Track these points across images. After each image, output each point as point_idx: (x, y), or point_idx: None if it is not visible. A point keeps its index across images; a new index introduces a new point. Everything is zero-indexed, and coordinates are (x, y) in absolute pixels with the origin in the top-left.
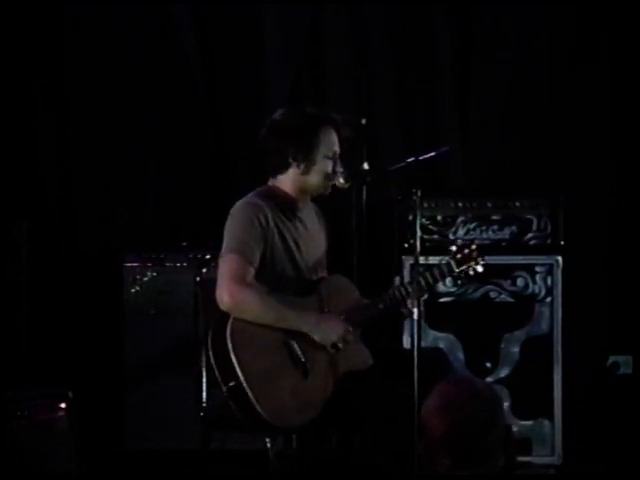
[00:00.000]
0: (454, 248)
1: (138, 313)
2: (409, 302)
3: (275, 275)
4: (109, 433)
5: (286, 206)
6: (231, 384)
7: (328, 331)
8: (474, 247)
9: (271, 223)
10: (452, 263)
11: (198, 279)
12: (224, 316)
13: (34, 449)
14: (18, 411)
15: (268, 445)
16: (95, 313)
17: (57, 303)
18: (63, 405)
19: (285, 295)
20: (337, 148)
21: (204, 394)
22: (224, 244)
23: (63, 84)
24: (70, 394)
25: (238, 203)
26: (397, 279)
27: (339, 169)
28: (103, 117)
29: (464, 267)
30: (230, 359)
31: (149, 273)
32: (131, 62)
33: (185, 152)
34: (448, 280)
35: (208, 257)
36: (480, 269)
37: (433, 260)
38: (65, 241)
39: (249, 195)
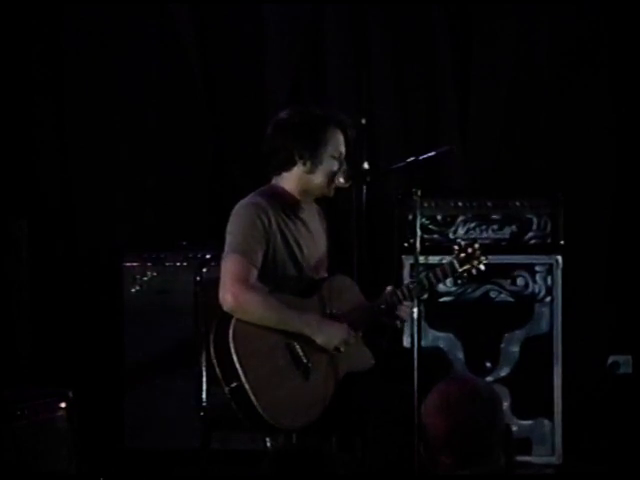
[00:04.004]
0: (457, 248)
1: (138, 313)
2: (408, 303)
3: (277, 275)
4: (109, 433)
5: (288, 206)
6: (233, 385)
7: (330, 334)
8: (477, 246)
9: (273, 223)
10: (455, 263)
11: (198, 279)
12: (227, 317)
13: (34, 449)
14: (18, 411)
15: (268, 445)
16: (95, 313)
17: (57, 303)
18: (63, 405)
19: (287, 296)
20: (343, 149)
21: (204, 394)
22: (226, 244)
23: (63, 83)
24: (70, 394)
25: (240, 203)
26: (389, 288)
27: (343, 169)
28: (103, 117)
29: (467, 267)
30: (232, 360)
31: (149, 273)
32: (131, 62)
33: (185, 152)
34: (448, 279)
35: (208, 257)
36: (482, 268)
37: (433, 260)
38: (65, 240)
39: (251, 194)
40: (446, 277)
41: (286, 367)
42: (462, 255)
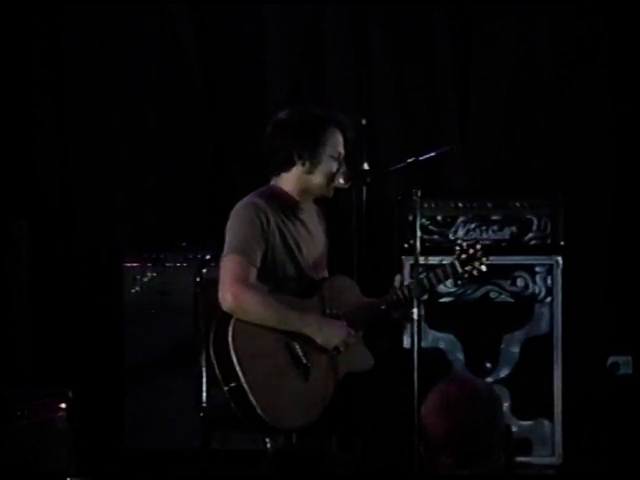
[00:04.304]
0: (458, 249)
1: (138, 313)
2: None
3: (277, 276)
4: (109, 433)
5: (287, 207)
6: (232, 385)
7: (330, 334)
8: (478, 247)
9: (272, 223)
10: (456, 264)
11: (198, 279)
12: (226, 317)
13: (34, 449)
14: (18, 411)
15: (268, 445)
16: (95, 313)
17: (57, 303)
18: (63, 405)
19: (287, 296)
20: (342, 149)
21: (204, 394)
22: (226, 244)
23: (63, 83)
24: (70, 394)
25: (239, 203)
26: (397, 277)
27: (342, 170)
28: (103, 116)
29: (468, 267)
30: (231, 360)
31: (149, 273)
32: (131, 62)
33: (185, 152)
34: (449, 280)
35: (208, 257)
36: (484, 269)
37: (433, 260)
38: (65, 240)
39: (250, 195)
40: (447, 278)
41: (285, 367)
42: (463, 256)
